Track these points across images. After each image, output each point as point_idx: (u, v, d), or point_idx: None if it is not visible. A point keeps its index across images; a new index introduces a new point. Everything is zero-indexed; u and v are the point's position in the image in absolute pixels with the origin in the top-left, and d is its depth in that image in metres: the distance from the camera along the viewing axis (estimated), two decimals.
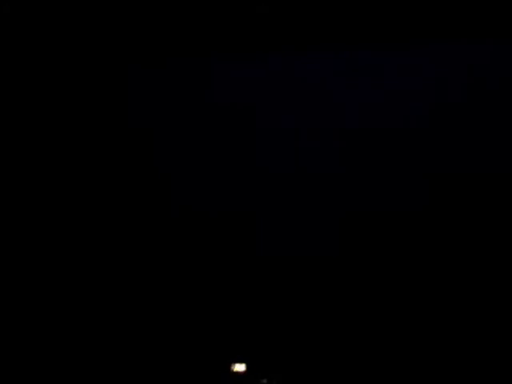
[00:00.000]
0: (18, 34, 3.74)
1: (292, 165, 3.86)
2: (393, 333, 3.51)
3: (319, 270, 3.64)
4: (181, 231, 3.77)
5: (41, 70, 3.77)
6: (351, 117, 3.85)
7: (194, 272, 3.67)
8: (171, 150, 3.87)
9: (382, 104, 3.88)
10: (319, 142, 3.88)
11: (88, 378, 3.28)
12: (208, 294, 3.58)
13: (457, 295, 3.60)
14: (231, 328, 3.41)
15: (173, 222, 3.79)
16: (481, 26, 3.80)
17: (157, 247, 3.71)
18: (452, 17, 3.82)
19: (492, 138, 3.80)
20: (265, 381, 3.21)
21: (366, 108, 3.85)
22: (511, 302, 3.52)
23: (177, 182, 3.85)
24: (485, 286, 3.62)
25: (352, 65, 3.91)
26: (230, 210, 3.82)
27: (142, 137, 3.86)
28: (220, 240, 3.75)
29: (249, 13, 3.90)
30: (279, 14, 3.92)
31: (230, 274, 3.61)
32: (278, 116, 3.89)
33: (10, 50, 3.71)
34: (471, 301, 3.59)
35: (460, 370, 3.41)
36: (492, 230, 3.69)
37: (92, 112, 3.80)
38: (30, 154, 3.77)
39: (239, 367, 3.28)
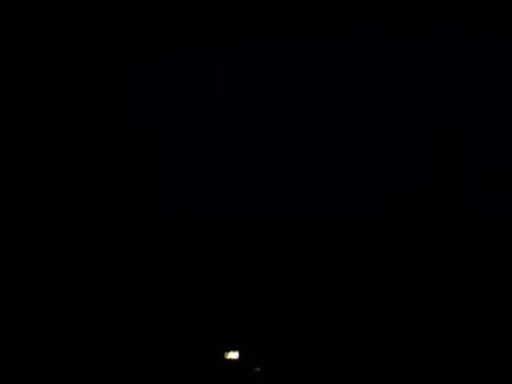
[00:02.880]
0: (17, 33, 3.76)
1: (294, 165, 3.83)
2: (386, 321, 3.44)
3: (314, 265, 3.58)
4: (181, 231, 3.73)
5: (40, 70, 3.79)
6: (354, 112, 3.83)
7: (191, 268, 3.62)
8: (171, 150, 3.84)
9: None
10: (323, 145, 3.85)
11: (77, 364, 3.23)
12: (202, 287, 3.53)
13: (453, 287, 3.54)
14: (225, 316, 3.36)
15: (173, 221, 3.75)
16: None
17: (156, 245, 3.67)
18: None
19: None
20: (258, 369, 3.15)
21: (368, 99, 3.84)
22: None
23: (177, 181, 3.82)
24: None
25: (352, 64, 3.90)
26: (230, 210, 3.78)
27: (142, 137, 3.84)
28: (219, 239, 3.70)
29: (249, 13, 3.90)
30: (279, 13, 3.92)
31: (225, 268, 3.56)
32: (278, 115, 3.87)
33: (9, 50, 3.73)
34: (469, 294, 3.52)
35: (459, 367, 3.34)
36: None
37: (92, 112, 3.80)
38: (29, 153, 3.77)
39: (232, 355, 3.23)
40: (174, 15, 3.89)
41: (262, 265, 3.62)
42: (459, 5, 3.79)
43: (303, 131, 3.87)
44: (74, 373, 3.28)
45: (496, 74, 3.78)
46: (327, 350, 3.24)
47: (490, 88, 3.79)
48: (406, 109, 3.82)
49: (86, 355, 3.29)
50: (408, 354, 3.40)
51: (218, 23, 3.89)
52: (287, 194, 3.81)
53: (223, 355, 3.23)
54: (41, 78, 3.83)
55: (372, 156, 3.81)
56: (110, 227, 3.73)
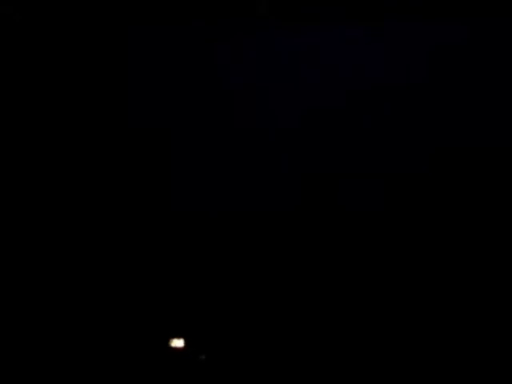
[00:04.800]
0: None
1: (293, 163, 3.73)
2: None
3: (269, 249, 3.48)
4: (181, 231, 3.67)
5: (37, 32, 3.78)
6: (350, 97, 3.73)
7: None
8: (171, 149, 3.80)
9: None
10: (321, 140, 3.76)
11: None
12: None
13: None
14: (169, 303, 3.27)
15: (173, 222, 3.70)
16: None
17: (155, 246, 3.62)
18: None
19: None
20: (203, 356, 3.03)
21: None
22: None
23: (177, 181, 3.77)
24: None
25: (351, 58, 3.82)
26: (229, 210, 3.70)
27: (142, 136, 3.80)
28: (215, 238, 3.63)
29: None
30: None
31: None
32: (282, 107, 3.78)
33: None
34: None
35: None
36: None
37: (92, 111, 3.79)
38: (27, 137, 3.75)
39: (177, 343, 3.12)
40: None
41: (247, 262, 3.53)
42: None
43: (301, 130, 3.77)
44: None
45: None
46: (273, 338, 3.15)
47: None
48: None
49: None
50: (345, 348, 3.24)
51: None
52: (286, 195, 3.70)
53: (168, 343, 3.14)
54: (37, 40, 3.81)
55: None
56: (107, 223, 3.69)
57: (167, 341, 3.09)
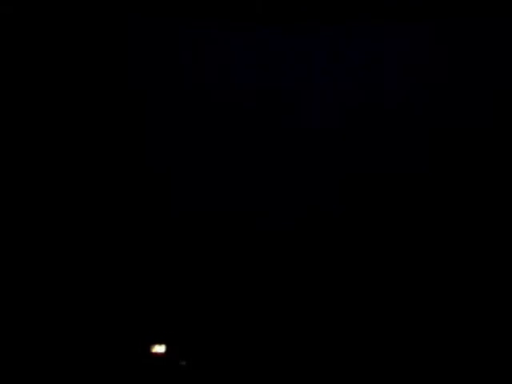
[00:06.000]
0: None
1: (292, 164, 3.78)
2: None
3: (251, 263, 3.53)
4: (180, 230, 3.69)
5: (38, 18, 3.75)
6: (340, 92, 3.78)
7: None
8: (169, 147, 3.82)
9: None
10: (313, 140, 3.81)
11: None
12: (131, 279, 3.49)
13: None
14: (152, 310, 3.30)
15: (173, 222, 3.73)
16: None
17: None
18: None
19: None
20: (184, 362, 3.08)
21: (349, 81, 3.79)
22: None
23: (176, 180, 3.79)
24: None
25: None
26: (229, 209, 3.73)
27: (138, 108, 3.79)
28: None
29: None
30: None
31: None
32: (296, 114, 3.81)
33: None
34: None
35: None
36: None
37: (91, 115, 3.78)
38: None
39: (159, 349, 3.16)
40: None
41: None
42: None
43: (302, 129, 3.80)
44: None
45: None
46: (251, 346, 3.18)
47: None
48: None
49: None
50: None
51: None
52: (284, 195, 3.75)
53: (149, 349, 3.18)
54: (37, 26, 3.79)
55: None
56: (106, 221, 3.69)
57: (149, 346, 3.13)
